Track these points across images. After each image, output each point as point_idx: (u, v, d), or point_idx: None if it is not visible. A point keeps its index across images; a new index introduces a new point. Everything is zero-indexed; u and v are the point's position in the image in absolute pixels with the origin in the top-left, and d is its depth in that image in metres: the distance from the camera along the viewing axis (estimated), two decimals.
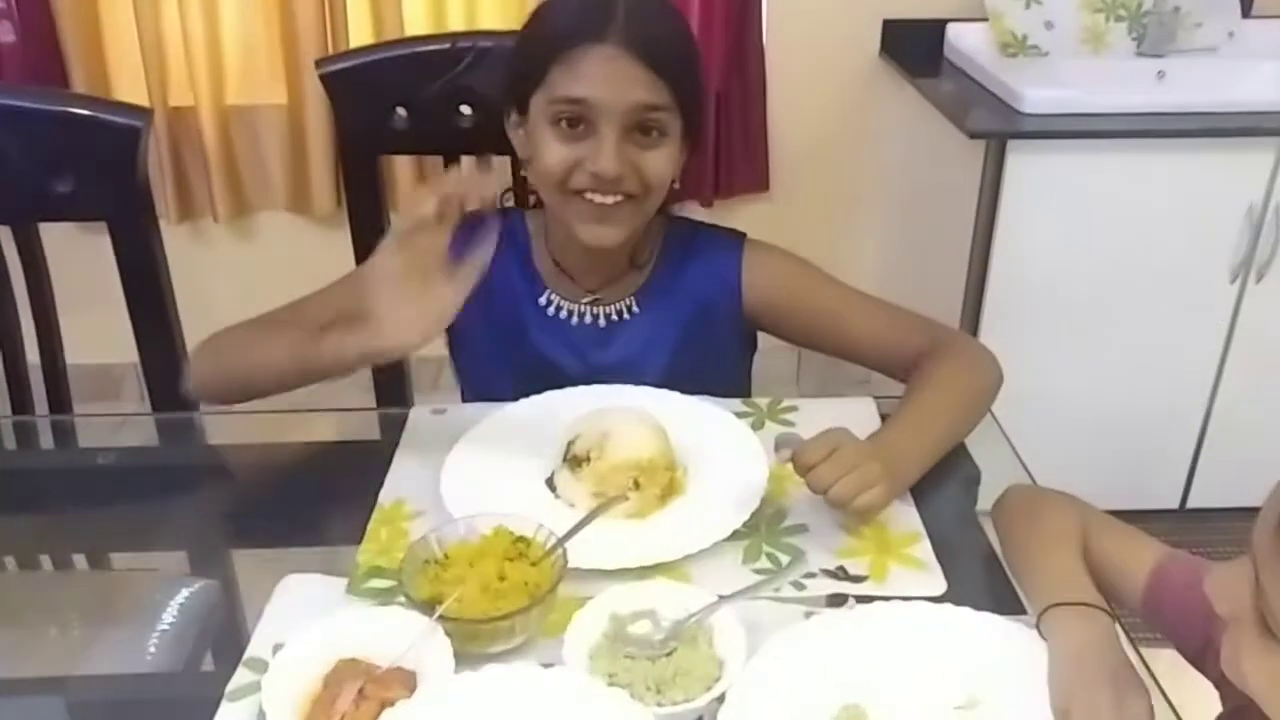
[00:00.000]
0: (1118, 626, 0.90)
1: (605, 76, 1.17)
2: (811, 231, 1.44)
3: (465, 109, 1.55)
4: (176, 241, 2.71)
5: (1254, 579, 0.70)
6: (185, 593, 1.16)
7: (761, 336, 1.44)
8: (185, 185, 2.75)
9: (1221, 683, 0.89)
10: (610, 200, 1.22)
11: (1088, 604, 0.89)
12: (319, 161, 2.68)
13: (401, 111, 1.56)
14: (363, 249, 1.66)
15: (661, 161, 1.23)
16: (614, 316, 1.36)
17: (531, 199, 1.40)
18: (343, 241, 1.69)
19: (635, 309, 1.36)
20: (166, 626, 1.13)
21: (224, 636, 1.11)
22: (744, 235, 1.39)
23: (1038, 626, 0.90)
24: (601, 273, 1.35)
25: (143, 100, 2.55)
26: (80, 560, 1.31)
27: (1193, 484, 2.54)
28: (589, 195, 1.22)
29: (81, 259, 1.94)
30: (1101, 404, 2.43)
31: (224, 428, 1.45)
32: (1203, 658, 0.91)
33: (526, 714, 0.80)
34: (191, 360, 1.30)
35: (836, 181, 2.86)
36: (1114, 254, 2.28)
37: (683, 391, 1.28)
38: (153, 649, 1.12)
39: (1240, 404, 2.43)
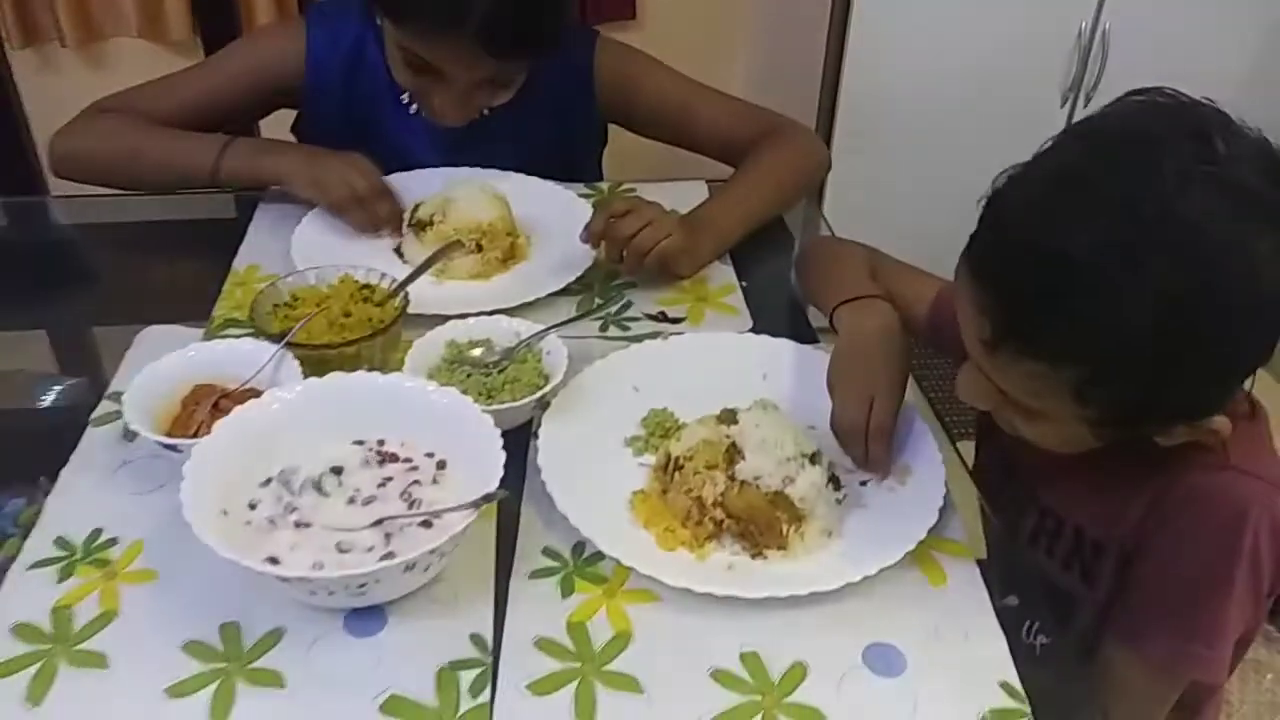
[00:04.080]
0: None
1: (456, 59, 1.21)
2: (679, 58, 1.49)
3: None
4: (24, 68, 2.63)
5: (988, 383, 0.82)
6: (56, 390, 1.19)
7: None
8: (25, 6, 2.63)
9: None
10: None
11: (870, 295, 1.02)
12: None
13: None
14: None
15: (510, 92, 1.30)
16: (474, 115, 1.40)
17: None
18: None
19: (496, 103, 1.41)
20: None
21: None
22: (596, 31, 1.44)
23: (832, 326, 1.03)
24: None
25: None
26: None
27: None
28: None
29: None
30: (940, 220, 2.59)
31: (77, 211, 1.48)
32: None
33: (365, 408, 0.89)
34: (66, 134, 1.32)
35: (703, 6, 2.90)
36: (955, 77, 2.41)
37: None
38: None
39: None
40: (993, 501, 1.00)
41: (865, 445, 0.92)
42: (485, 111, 1.39)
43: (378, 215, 1.24)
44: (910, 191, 2.53)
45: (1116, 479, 0.91)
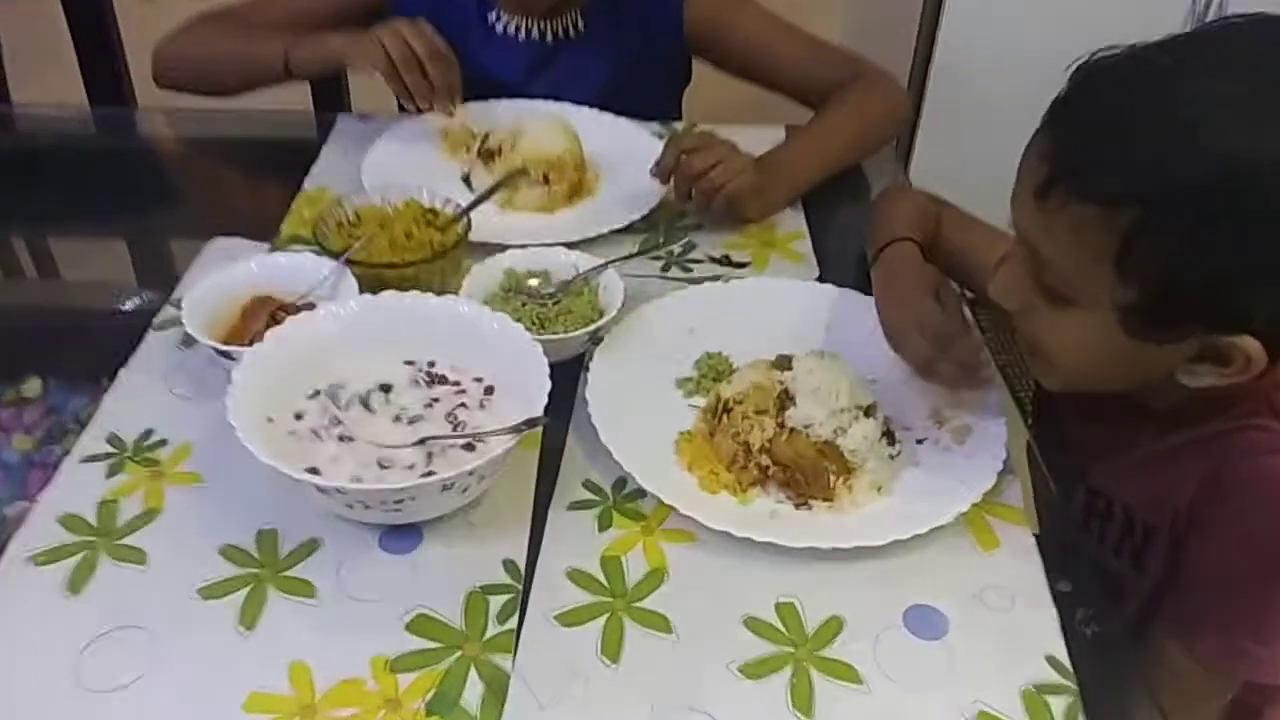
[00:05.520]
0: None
1: None
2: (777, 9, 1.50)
3: None
4: None
5: (1029, 262, 0.78)
6: (131, 302, 1.20)
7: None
8: None
9: None
10: None
11: (899, 239, 1.00)
12: None
13: None
14: None
15: None
16: (560, 33, 1.39)
17: None
18: None
19: (581, 26, 1.39)
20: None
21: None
22: None
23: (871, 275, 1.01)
24: None
25: None
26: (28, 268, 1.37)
27: None
28: None
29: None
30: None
31: (162, 124, 1.50)
32: None
33: (417, 329, 0.89)
34: (167, 41, 1.35)
35: None
36: (1057, 45, 2.30)
37: (617, 114, 1.33)
38: None
39: None
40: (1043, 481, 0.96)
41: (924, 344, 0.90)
42: (573, 28, 1.38)
43: (433, 80, 1.20)
44: (999, 160, 2.44)
45: (1167, 457, 0.86)
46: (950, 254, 1.05)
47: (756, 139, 1.28)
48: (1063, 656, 0.74)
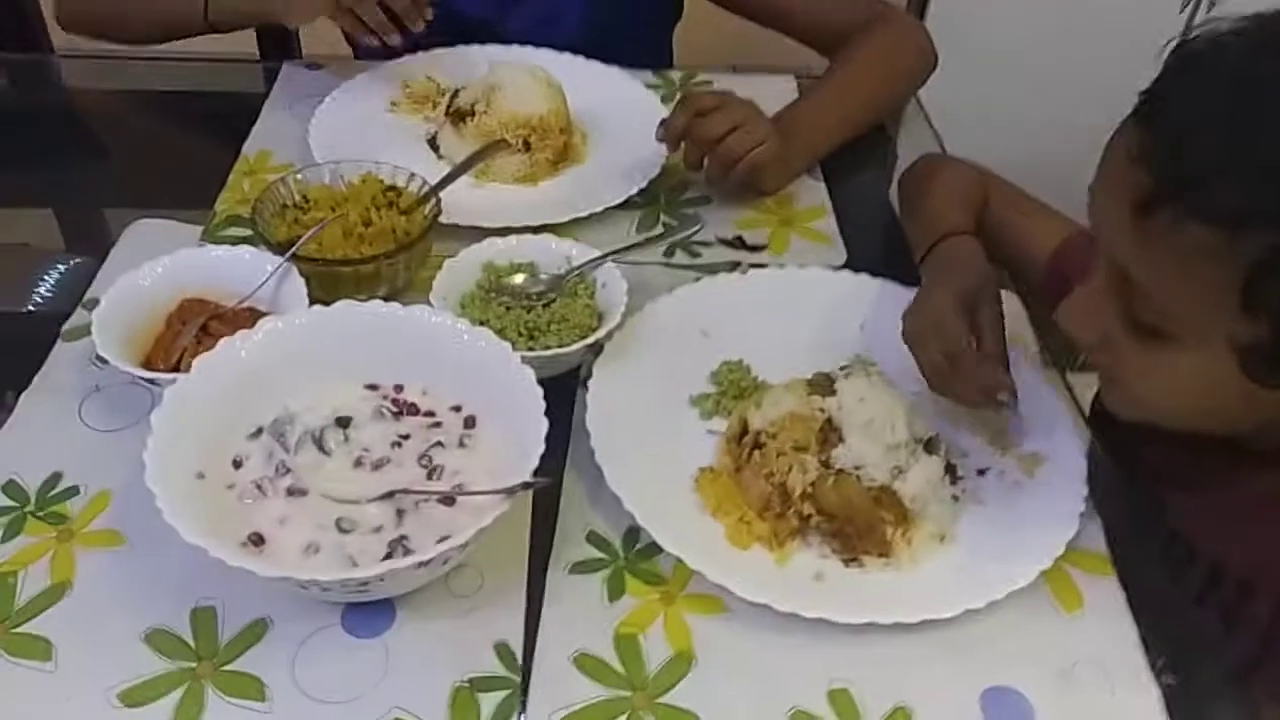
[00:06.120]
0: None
1: None
2: None
3: None
4: None
5: (1115, 288, 0.64)
6: (58, 270, 1.03)
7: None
8: None
9: None
10: None
11: (957, 232, 0.85)
12: None
13: None
14: None
15: None
16: None
17: None
18: None
19: None
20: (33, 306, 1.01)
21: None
22: None
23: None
24: None
25: None
26: None
27: None
28: None
29: None
30: (1047, 131, 2.35)
31: (89, 74, 1.31)
32: None
33: (381, 346, 0.73)
34: None
35: None
36: None
37: (602, 56, 1.17)
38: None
39: None
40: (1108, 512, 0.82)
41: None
42: None
43: (394, 7, 1.03)
44: (1007, 100, 2.29)
45: (1268, 507, 0.73)
46: (997, 237, 0.91)
47: (763, 91, 1.11)
48: None
